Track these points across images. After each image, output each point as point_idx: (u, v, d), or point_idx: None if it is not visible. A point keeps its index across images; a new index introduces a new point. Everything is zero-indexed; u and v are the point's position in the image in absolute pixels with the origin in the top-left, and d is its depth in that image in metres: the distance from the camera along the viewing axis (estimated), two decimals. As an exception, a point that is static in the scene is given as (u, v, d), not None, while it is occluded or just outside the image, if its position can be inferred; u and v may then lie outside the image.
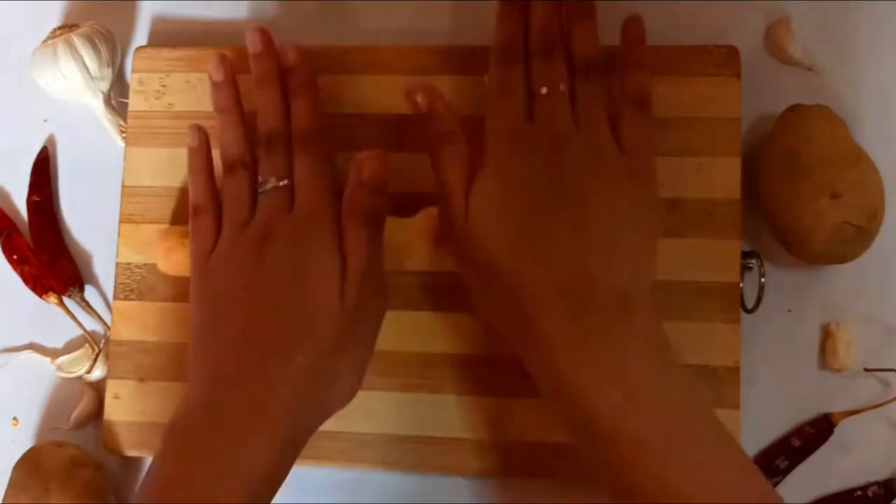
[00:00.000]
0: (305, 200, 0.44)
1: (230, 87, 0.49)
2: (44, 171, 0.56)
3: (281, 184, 0.45)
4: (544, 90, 0.44)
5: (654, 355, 0.39)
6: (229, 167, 0.47)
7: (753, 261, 0.48)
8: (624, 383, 0.37)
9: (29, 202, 0.56)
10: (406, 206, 0.49)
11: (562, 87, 0.44)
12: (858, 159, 0.46)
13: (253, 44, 0.49)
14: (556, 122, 0.43)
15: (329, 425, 0.48)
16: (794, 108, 0.48)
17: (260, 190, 0.46)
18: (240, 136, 0.48)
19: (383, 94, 0.51)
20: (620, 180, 0.42)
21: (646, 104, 0.45)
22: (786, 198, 0.46)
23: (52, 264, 0.54)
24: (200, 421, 0.41)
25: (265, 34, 0.49)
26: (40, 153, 0.56)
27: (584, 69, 0.45)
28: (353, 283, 0.43)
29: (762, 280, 0.47)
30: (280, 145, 0.46)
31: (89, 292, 0.55)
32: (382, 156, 0.45)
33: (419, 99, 0.45)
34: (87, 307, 0.54)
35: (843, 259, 0.47)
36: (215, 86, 0.49)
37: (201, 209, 0.47)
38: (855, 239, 0.46)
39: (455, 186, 0.43)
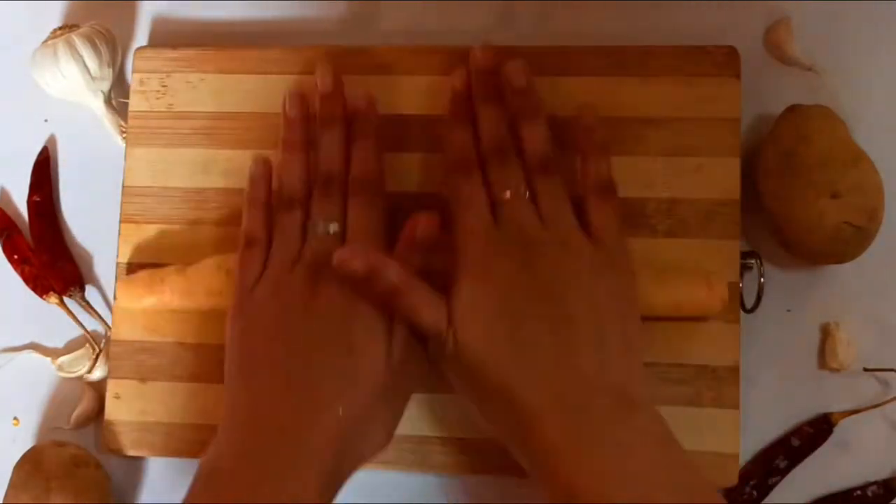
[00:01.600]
0: None
1: (303, 125, 0.49)
2: (44, 172, 0.56)
3: (331, 229, 0.45)
4: (507, 195, 0.44)
5: (659, 451, 0.38)
6: (287, 204, 0.47)
7: (753, 261, 0.48)
8: (633, 486, 0.37)
9: (30, 202, 0.56)
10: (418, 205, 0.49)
11: (522, 189, 0.44)
12: (858, 159, 0.46)
13: (324, 84, 0.49)
14: (524, 225, 0.43)
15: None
16: (793, 108, 0.48)
17: (310, 232, 0.45)
18: (302, 175, 0.48)
19: (384, 94, 0.52)
20: (596, 272, 0.42)
21: (610, 191, 0.45)
22: (786, 198, 0.46)
23: (53, 264, 0.54)
24: (239, 465, 0.40)
25: (337, 77, 0.49)
26: (41, 153, 0.56)
27: (541, 167, 0.45)
28: (398, 343, 0.43)
29: (762, 280, 0.47)
30: (336, 189, 0.46)
31: (90, 292, 0.55)
32: (435, 218, 0.44)
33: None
34: (88, 307, 0.54)
35: (842, 259, 0.47)
36: (288, 122, 0.49)
37: (255, 242, 0.46)
38: (854, 239, 0.46)
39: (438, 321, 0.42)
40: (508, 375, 0.40)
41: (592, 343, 0.40)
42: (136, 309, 0.50)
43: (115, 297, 0.52)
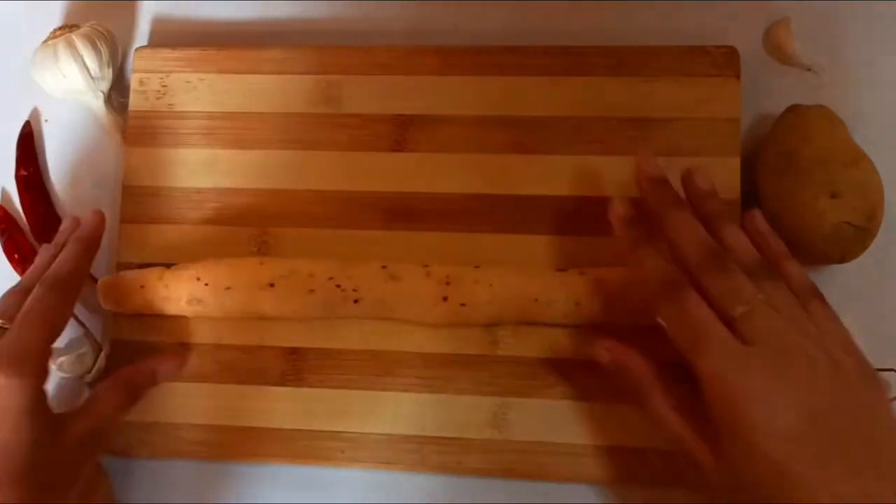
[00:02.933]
0: None
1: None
2: (29, 146, 0.56)
3: None
4: (741, 308, 0.39)
5: None
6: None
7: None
8: None
9: (17, 177, 0.56)
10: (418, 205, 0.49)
11: (760, 295, 0.39)
12: (858, 159, 0.46)
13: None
14: (783, 335, 0.39)
15: (329, 425, 0.49)
16: (793, 108, 0.48)
17: None
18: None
19: (384, 94, 0.52)
20: (875, 390, 0.39)
21: (821, 296, 0.42)
22: (785, 198, 0.46)
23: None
24: None
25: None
26: (24, 127, 0.57)
27: (765, 272, 0.41)
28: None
29: None
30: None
31: (90, 296, 0.55)
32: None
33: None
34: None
35: (842, 259, 0.47)
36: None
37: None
38: (854, 238, 0.46)
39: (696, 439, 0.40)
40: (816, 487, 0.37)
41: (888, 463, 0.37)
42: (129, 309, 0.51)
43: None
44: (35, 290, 0.45)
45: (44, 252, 0.49)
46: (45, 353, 0.44)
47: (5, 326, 0.44)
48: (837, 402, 0.38)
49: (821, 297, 0.42)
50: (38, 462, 0.42)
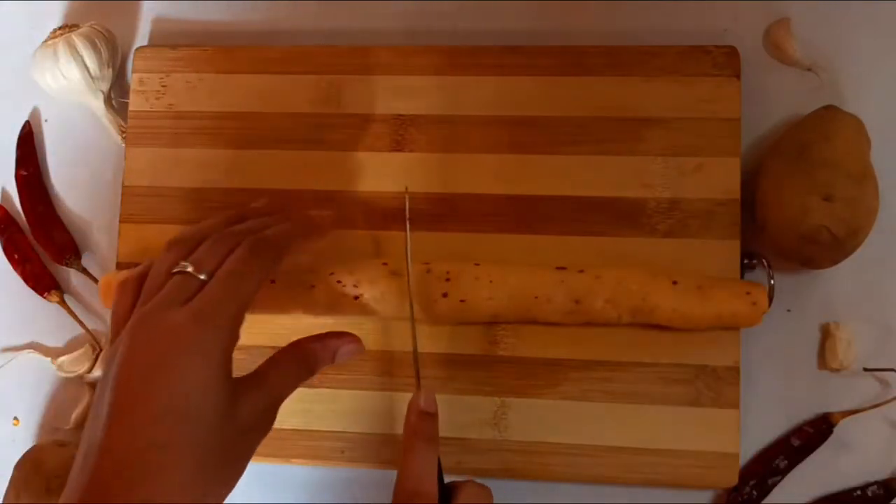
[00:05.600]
0: None
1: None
2: (29, 146, 0.56)
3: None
4: None
5: None
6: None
7: (755, 261, 0.48)
8: None
9: (17, 177, 0.56)
10: (418, 205, 0.49)
11: None
12: (865, 177, 0.45)
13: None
14: None
15: (329, 425, 0.49)
16: (830, 108, 0.48)
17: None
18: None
19: (384, 94, 0.52)
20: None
21: None
22: (782, 184, 0.46)
23: (50, 250, 0.55)
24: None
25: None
26: (23, 128, 0.57)
27: None
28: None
29: (772, 282, 0.47)
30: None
31: (90, 296, 0.55)
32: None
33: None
34: (85, 272, 0.55)
35: (808, 262, 0.46)
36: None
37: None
38: (828, 246, 0.45)
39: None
40: None
41: None
42: None
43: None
44: (241, 250, 0.40)
45: (251, 212, 0.45)
46: (241, 316, 0.39)
47: (200, 276, 0.39)
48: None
49: None
50: (221, 439, 0.36)
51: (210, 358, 0.36)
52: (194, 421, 0.35)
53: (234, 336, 0.38)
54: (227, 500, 0.51)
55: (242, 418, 0.37)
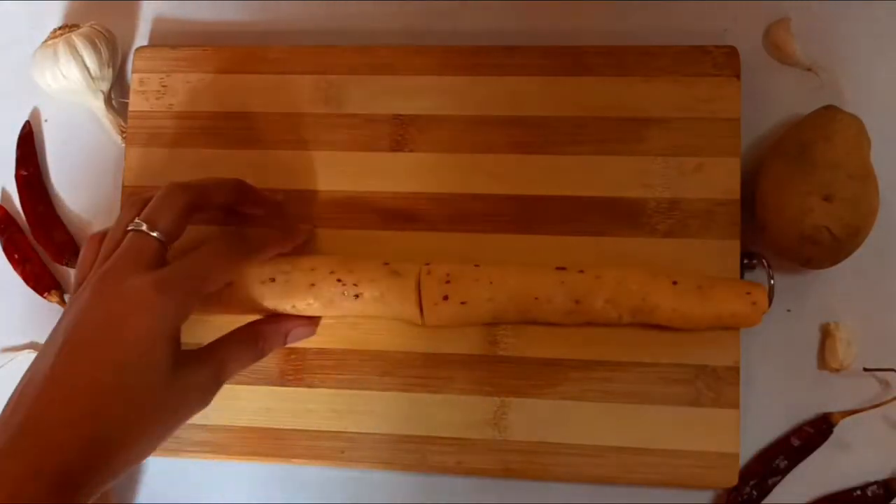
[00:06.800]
0: None
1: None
2: (29, 146, 0.56)
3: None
4: None
5: None
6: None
7: (755, 261, 0.48)
8: None
9: (17, 177, 0.56)
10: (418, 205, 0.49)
11: None
12: (866, 178, 0.45)
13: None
14: None
15: (329, 425, 0.49)
16: (830, 108, 0.47)
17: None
18: None
19: (384, 94, 0.52)
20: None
21: None
22: (783, 184, 0.46)
23: (50, 250, 0.55)
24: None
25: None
26: (24, 128, 0.57)
27: None
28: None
29: (772, 282, 0.47)
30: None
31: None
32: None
33: None
34: None
35: (807, 262, 0.46)
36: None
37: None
38: (828, 247, 0.45)
39: None
40: None
41: None
42: None
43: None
44: (216, 243, 0.43)
45: (212, 183, 0.46)
46: (198, 296, 0.41)
47: (153, 234, 0.41)
48: None
49: None
50: (157, 398, 0.39)
51: (162, 322, 0.39)
52: (134, 372, 0.38)
53: (188, 311, 0.41)
54: (226, 500, 0.51)
55: (180, 386, 0.40)
